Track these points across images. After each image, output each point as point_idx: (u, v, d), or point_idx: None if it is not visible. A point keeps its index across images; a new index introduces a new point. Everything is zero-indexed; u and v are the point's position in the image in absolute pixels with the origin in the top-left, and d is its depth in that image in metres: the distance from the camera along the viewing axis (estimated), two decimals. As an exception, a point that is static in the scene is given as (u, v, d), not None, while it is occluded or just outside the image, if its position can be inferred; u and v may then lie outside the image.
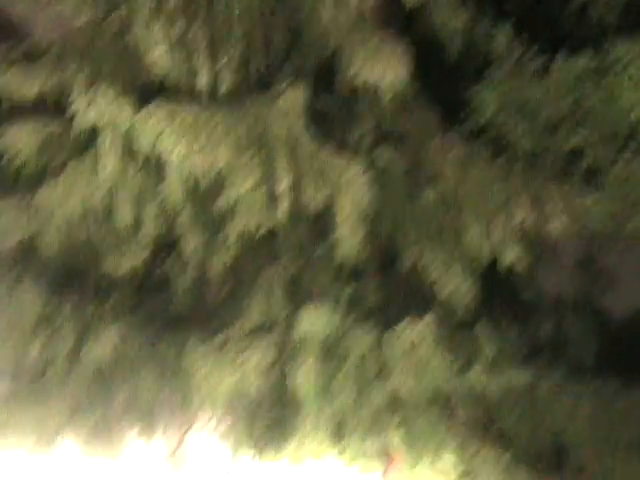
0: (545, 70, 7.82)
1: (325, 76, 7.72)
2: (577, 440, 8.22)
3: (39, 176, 7.96)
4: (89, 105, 7.18)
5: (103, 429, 8.66)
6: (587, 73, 7.73)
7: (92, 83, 7.34)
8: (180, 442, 9.03)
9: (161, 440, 9.00)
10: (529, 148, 7.94)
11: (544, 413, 8.25)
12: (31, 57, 8.11)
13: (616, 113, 7.79)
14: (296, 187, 7.42)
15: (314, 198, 7.44)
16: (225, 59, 7.42)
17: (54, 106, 7.90)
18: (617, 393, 8.10)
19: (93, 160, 7.55)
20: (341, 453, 8.32)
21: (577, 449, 8.26)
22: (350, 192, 7.36)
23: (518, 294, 8.55)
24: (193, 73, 7.38)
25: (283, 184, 7.34)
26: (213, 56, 7.41)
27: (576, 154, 7.95)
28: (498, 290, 8.29)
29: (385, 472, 8.57)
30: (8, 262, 8.35)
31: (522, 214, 7.62)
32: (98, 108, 7.16)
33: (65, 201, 7.67)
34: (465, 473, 8.23)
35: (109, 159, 7.36)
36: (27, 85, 7.87)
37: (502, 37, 7.99)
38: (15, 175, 7.97)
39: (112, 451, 8.77)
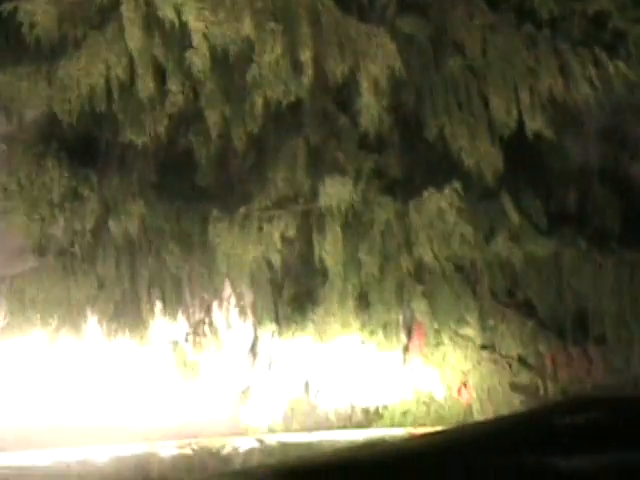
0: None
1: None
2: (599, 310, 8.44)
3: (59, 46, 7.95)
4: None
5: (129, 304, 8.89)
6: None
7: None
8: (204, 318, 9.21)
9: (184, 317, 9.19)
10: (554, 12, 7.90)
11: (567, 282, 8.46)
12: None
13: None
14: (320, 56, 7.47)
15: (338, 66, 7.49)
16: None
17: None
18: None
19: (115, 30, 7.56)
20: (365, 325, 8.52)
21: (599, 319, 8.47)
22: (376, 60, 7.39)
23: (543, 162, 8.54)
24: None
25: (307, 53, 7.39)
26: None
27: (601, 18, 7.94)
28: (523, 158, 8.34)
29: (407, 347, 8.79)
30: (32, 136, 8.47)
31: (549, 80, 7.66)
32: None
33: (88, 72, 7.71)
34: (487, 341, 8.51)
35: (132, 29, 7.37)
36: None
37: None
38: (35, 45, 7.93)
39: (137, 329, 8.98)
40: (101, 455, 6.47)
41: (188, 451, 6.54)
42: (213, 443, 6.87)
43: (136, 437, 9.19)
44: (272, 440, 7.77)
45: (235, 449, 6.70)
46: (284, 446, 7.08)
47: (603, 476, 3.33)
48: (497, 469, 3.41)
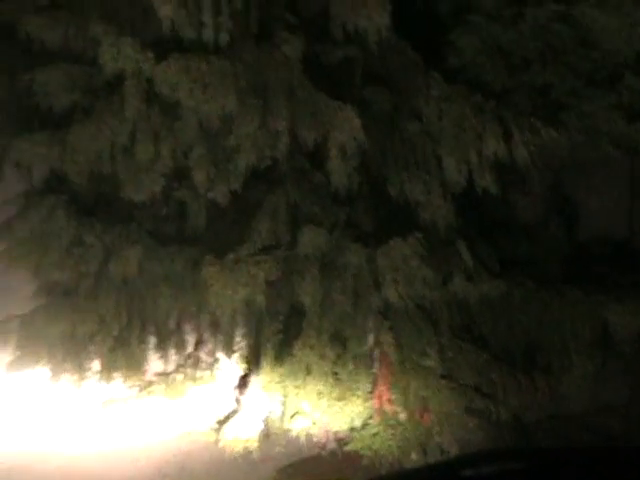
0: (520, 16, 9.35)
1: (320, 25, 9.11)
2: (545, 342, 9.80)
3: (68, 115, 9.47)
4: (116, 55, 8.61)
5: (126, 338, 10.32)
6: (557, 17, 9.28)
7: (117, 34, 8.73)
8: (193, 352, 10.69)
9: (175, 351, 10.63)
10: (503, 86, 9.43)
11: (517, 318, 9.81)
12: (57, 5, 9.54)
13: (582, 53, 9.38)
14: (294, 126, 8.81)
15: (309, 135, 8.84)
16: (228, 12, 8.72)
17: (80, 52, 9.40)
18: (580, 300, 9.67)
19: (119, 102, 8.97)
20: (339, 357, 9.76)
21: (545, 351, 9.84)
22: (343, 131, 8.72)
23: (493, 216, 9.95)
24: (199, 26, 8.69)
25: (282, 124, 8.74)
26: (217, 10, 8.71)
27: (545, 90, 9.49)
28: (475, 212, 9.74)
29: (375, 377, 10.14)
30: (44, 191, 10.03)
31: (494, 145, 8.95)
32: (124, 59, 8.61)
33: (95, 137, 9.13)
34: (446, 371, 9.77)
35: (133, 102, 8.81)
36: (53, 31, 9.30)
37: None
38: (47, 113, 9.48)
39: (132, 361, 10.38)
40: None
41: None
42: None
43: (129, 455, 10.82)
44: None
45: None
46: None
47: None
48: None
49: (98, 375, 10.45)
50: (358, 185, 9.29)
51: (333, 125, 8.78)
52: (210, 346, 10.61)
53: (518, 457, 4.18)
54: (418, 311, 9.71)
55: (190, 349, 10.67)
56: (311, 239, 9.25)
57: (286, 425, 9.95)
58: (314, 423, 9.92)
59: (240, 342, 10.34)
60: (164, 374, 10.61)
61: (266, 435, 10.01)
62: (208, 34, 8.71)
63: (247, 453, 10.02)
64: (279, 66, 8.86)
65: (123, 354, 10.35)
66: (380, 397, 10.11)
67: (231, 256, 9.23)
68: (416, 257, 9.02)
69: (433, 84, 9.24)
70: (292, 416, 9.87)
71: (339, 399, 9.81)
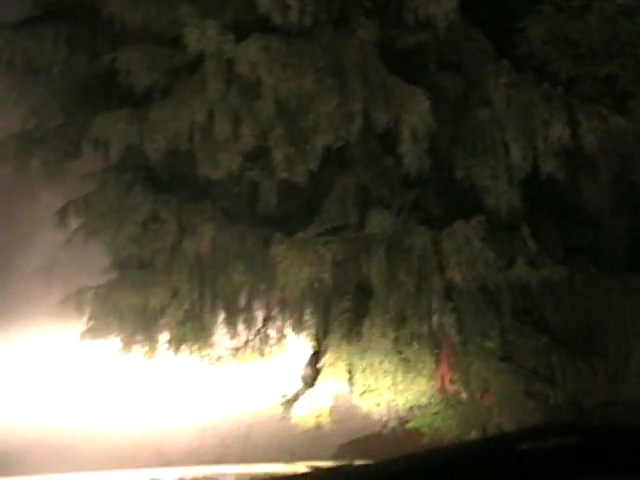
0: (587, 7, 9.54)
1: (394, 11, 9.39)
2: (605, 328, 9.95)
3: (148, 94, 9.83)
4: (200, 37, 8.98)
5: (197, 312, 10.66)
6: (622, 11, 9.48)
7: (201, 16, 9.11)
8: (262, 328, 11.05)
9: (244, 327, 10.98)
10: (570, 74, 9.61)
11: (578, 303, 9.93)
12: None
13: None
14: (367, 108, 9.11)
15: (382, 118, 9.15)
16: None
17: (160, 33, 9.80)
18: (641, 287, 9.74)
19: (199, 82, 9.36)
20: (401, 336, 9.97)
21: (604, 336, 9.99)
22: (414, 114, 9.00)
23: (560, 202, 10.06)
24: (284, 9, 9.01)
25: (356, 106, 9.07)
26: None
27: (611, 80, 9.67)
28: (543, 198, 9.90)
29: (438, 357, 10.36)
30: (122, 168, 10.46)
31: (559, 131, 9.14)
32: (207, 40, 8.98)
33: (174, 116, 9.52)
34: (506, 354, 10.00)
35: (214, 83, 9.18)
36: (135, 12, 9.68)
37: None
38: (126, 92, 9.85)
39: (202, 335, 10.73)
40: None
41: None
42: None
43: (196, 425, 11.21)
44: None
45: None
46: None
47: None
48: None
49: (167, 347, 10.79)
50: (427, 168, 9.53)
51: (405, 108, 9.05)
52: (279, 323, 10.96)
53: (574, 433, 4.07)
54: (480, 293, 9.88)
55: (259, 325, 11.01)
56: (379, 221, 9.51)
57: (352, 403, 10.23)
58: (378, 402, 10.14)
59: (308, 320, 10.71)
60: (233, 348, 10.98)
61: (332, 412, 10.25)
62: (293, 16, 9.00)
63: (311, 429, 10.32)
64: (355, 49, 9.16)
65: (192, 327, 10.68)
66: (442, 377, 10.39)
67: (300, 235, 9.55)
68: (478, 239, 9.22)
69: (502, 71, 9.44)
70: (362, 394, 10.14)
71: (404, 378, 10.04)
